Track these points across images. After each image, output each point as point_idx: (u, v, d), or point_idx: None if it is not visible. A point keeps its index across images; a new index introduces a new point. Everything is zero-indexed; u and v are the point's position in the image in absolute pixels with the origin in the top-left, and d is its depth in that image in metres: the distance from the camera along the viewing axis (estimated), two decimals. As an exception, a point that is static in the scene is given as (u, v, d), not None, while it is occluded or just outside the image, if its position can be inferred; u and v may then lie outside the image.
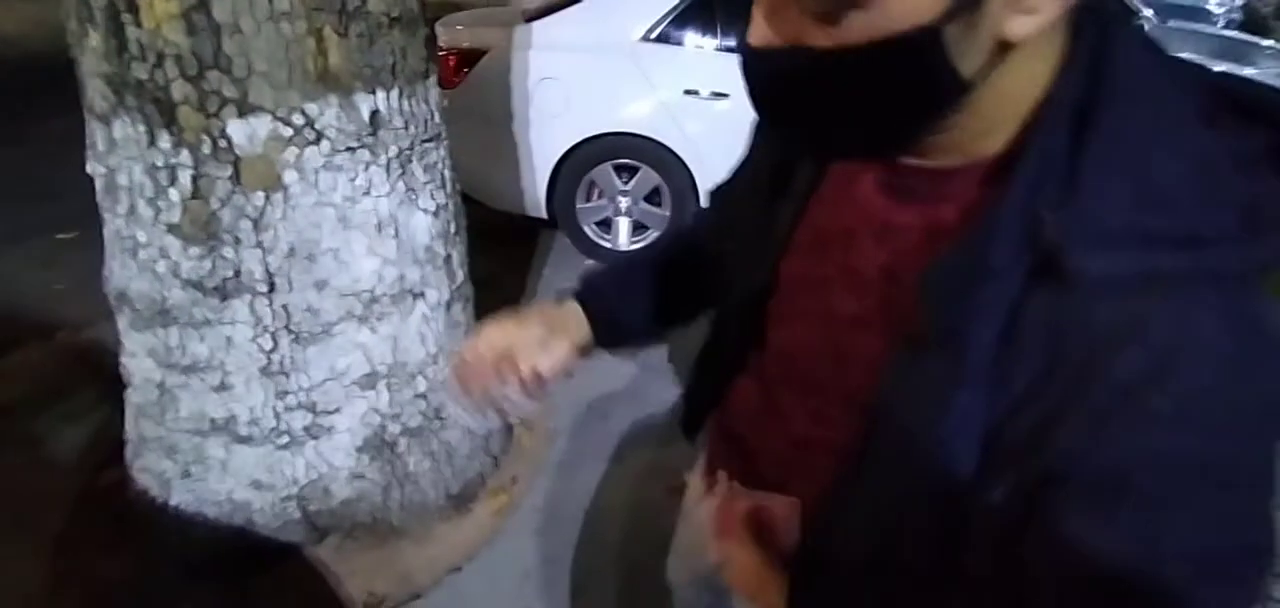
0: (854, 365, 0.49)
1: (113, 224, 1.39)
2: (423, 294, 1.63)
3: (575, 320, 0.69)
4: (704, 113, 2.76)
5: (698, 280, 0.72)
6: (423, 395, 1.70)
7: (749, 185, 0.62)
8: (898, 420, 0.44)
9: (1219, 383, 0.35)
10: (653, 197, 2.97)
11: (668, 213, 2.97)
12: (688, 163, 2.86)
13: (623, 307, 0.73)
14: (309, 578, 1.63)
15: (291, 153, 1.32)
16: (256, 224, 1.35)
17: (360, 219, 1.46)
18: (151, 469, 1.60)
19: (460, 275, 1.76)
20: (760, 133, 0.63)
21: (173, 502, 1.59)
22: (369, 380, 1.59)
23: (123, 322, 1.49)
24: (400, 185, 1.50)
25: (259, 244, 1.36)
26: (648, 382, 2.33)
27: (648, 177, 2.92)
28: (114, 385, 1.60)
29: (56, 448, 1.96)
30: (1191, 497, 0.35)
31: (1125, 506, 0.36)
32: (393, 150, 1.46)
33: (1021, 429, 0.38)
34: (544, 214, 2.95)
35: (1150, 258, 0.36)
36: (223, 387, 1.46)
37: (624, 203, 2.97)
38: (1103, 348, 0.36)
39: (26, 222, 3.03)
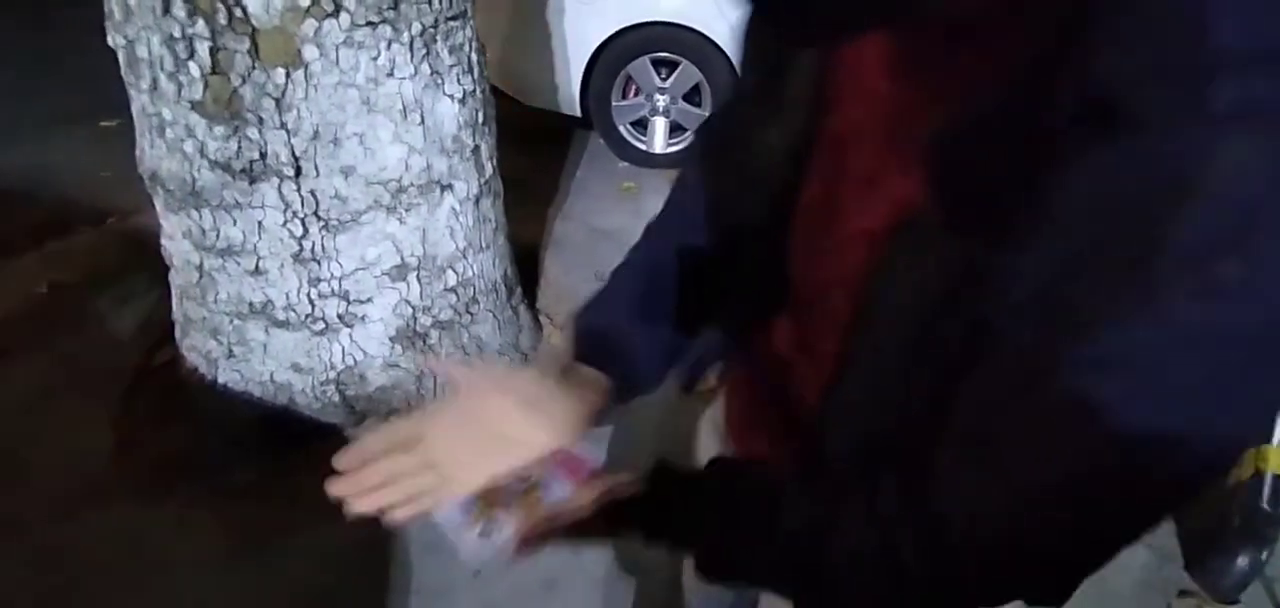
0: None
1: (138, 101, 1.38)
2: (451, 186, 1.59)
3: (577, 392, 0.52)
4: (751, 0, 2.56)
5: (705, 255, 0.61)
6: (453, 289, 1.69)
7: (745, 108, 0.54)
8: (891, 307, 0.41)
9: None
10: (692, 95, 2.81)
11: (707, 114, 2.81)
12: (732, 58, 2.68)
13: (640, 339, 0.58)
14: (348, 458, 1.71)
15: (310, 26, 1.26)
16: (279, 104, 1.31)
17: (384, 102, 1.40)
18: (199, 349, 1.67)
19: (489, 169, 1.71)
20: (751, 39, 0.53)
21: (220, 380, 1.67)
22: (399, 272, 1.59)
23: (159, 203, 1.51)
24: (425, 67, 1.43)
25: (283, 125, 1.33)
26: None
27: (688, 72, 2.75)
28: (163, 269, 1.65)
29: (114, 326, 2.07)
30: (1242, 376, 0.31)
31: (1166, 386, 0.32)
32: (416, 27, 1.38)
33: (1048, 299, 0.34)
34: (577, 111, 2.83)
35: (1246, 86, 0.28)
36: (258, 271, 1.48)
37: (662, 101, 2.82)
38: (1161, 203, 0.30)
39: (69, 108, 3.08)
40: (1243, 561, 1.43)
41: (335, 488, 0.48)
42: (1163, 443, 0.32)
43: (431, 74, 1.45)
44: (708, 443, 0.80)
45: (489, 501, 0.49)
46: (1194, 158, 0.29)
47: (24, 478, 1.68)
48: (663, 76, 2.78)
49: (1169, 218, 0.30)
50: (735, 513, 0.49)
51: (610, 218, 2.62)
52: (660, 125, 2.85)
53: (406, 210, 1.52)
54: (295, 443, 1.70)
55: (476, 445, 0.49)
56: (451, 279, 1.68)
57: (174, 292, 1.66)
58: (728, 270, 0.57)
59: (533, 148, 2.80)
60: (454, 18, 1.48)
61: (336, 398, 1.69)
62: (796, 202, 0.49)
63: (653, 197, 2.74)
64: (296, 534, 1.57)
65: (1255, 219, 0.29)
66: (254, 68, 1.27)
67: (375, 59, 1.35)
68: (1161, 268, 0.30)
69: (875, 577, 0.42)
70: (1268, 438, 1.43)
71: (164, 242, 1.57)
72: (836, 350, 0.47)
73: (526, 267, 2.14)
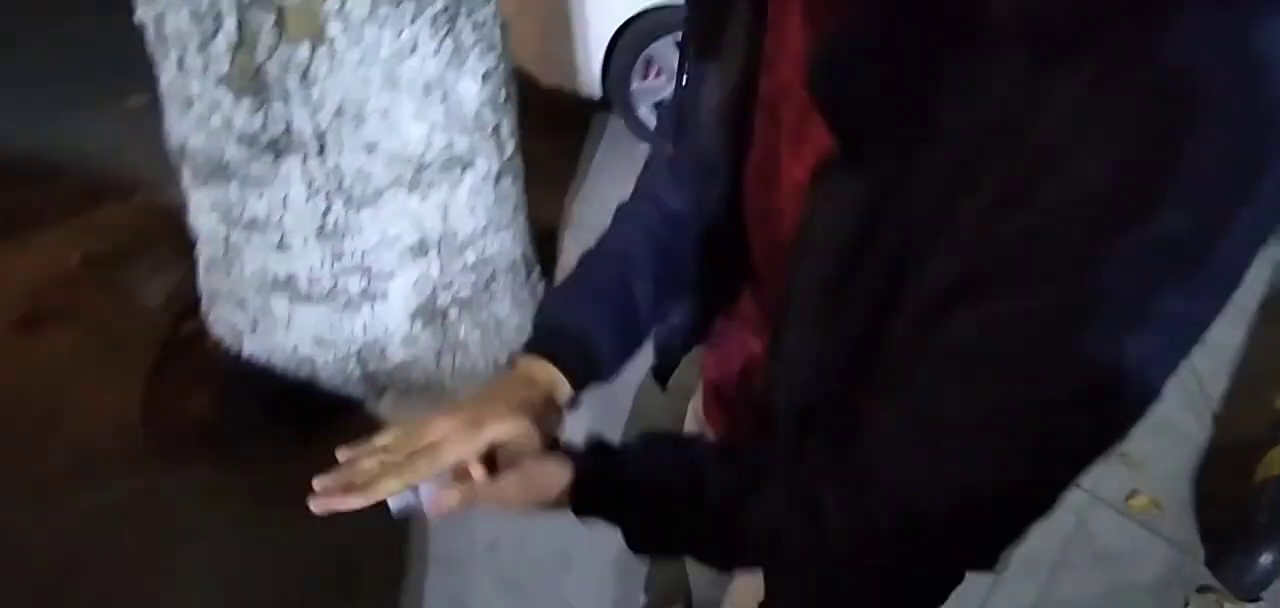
0: None
1: (166, 76, 1.40)
2: (472, 164, 1.59)
3: (524, 382, 0.54)
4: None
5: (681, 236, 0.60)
6: (472, 267, 1.71)
7: (693, 77, 0.53)
8: (812, 258, 0.41)
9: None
10: (713, 76, 2.78)
11: (728, 95, 2.78)
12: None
13: (598, 325, 0.58)
14: (368, 430, 1.73)
15: (334, 1, 1.26)
16: (304, 79, 1.32)
17: (407, 79, 1.41)
18: (224, 321, 1.70)
19: (510, 147, 1.72)
20: (692, 3, 0.53)
21: (245, 352, 1.70)
22: (420, 248, 1.60)
23: (186, 177, 1.53)
24: (447, 44, 1.43)
25: (308, 100, 1.34)
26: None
27: (709, 54, 2.73)
28: (190, 243, 1.68)
29: (144, 297, 2.12)
30: (1157, 293, 0.29)
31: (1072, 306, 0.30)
32: (439, 4, 1.38)
33: (941, 222, 0.33)
34: (598, 92, 2.82)
35: None
36: (282, 246, 1.50)
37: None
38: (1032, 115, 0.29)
39: (99, 87, 3.13)
40: (1266, 559, 1.41)
41: (321, 487, 0.48)
42: (1079, 368, 0.31)
43: (454, 51, 1.45)
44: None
45: None
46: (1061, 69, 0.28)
47: (54, 441, 1.74)
48: (683, 58, 2.76)
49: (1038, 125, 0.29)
50: (657, 486, 0.49)
51: (628, 200, 2.62)
52: (680, 107, 2.83)
53: (428, 187, 1.53)
54: (317, 415, 1.73)
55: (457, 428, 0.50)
56: (471, 257, 1.69)
57: (201, 264, 1.70)
58: (695, 248, 0.58)
59: (552, 129, 2.79)
60: (477, -5, 1.48)
61: (357, 372, 1.72)
62: (743, 167, 0.49)
63: (671, 179, 2.73)
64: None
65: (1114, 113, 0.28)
66: (279, 43, 1.28)
67: (398, 35, 1.35)
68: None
69: (797, 536, 0.41)
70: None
71: (191, 215, 1.59)
72: (778, 312, 0.47)
73: (545, 247, 2.14)
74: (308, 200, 1.43)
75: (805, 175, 0.41)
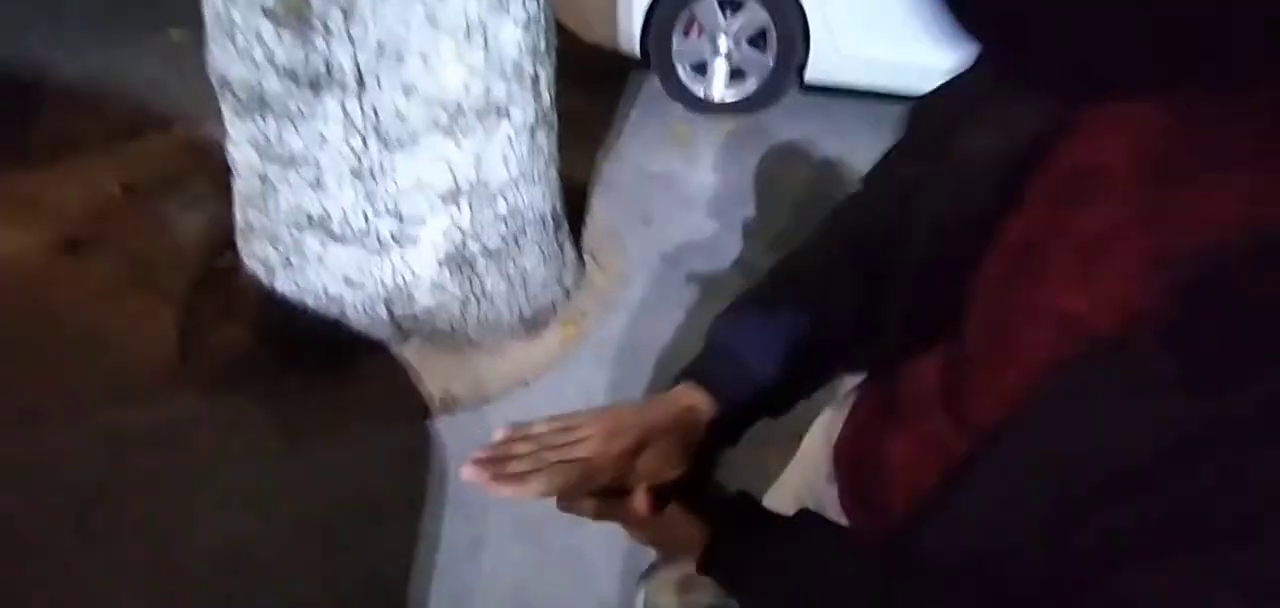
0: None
1: (211, 6, 1.39)
2: (508, 113, 1.58)
3: (687, 418, 0.50)
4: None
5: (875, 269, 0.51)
6: (502, 217, 1.70)
7: (957, 96, 0.45)
8: (1062, 433, 0.33)
9: None
10: (757, 40, 2.70)
11: (771, 61, 2.71)
12: (803, 2, 2.56)
13: (773, 354, 0.52)
14: (394, 372, 1.76)
15: (379, -66, 1.24)
16: (346, 15, 1.31)
17: (449, 21, 1.39)
18: (258, 256, 1.72)
19: (547, 99, 1.69)
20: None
21: (277, 288, 1.72)
22: (452, 195, 1.60)
23: (226, 109, 1.54)
24: (489, -14, 1.40)
25: (349, 36, 1.33)
26: (724, 235, 2.25)
27: (754, 14, 2.65)
28: (227, 177, 1.70)
29: (181, 229, 2.16)
30: None
31: None
32: (482, -57, 1.35)
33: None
34: (636, 49, 2.76)
35: None
36: (318, 184, 1.50)
37: (724, 43, 2.72)
38: None
39: (141, 19, 3.16)
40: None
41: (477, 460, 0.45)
42: None
43: (495, -6, 1.42)
44: (812, 456, 0.74)
45: None
46: None
47: (92, 364, 1.80)
48: (728, 16, 2.68)
49: None
50: (804, 579, 0.45)
51: (661, 162, 2.58)
52: (720, 68, 2.77)
53: (463, 134, 1.51)
54: (344, 354, 1.76)
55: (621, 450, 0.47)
56: (502, 207, 1.68)
57: (237, 198, 1.71)
58: (900, 280, 0.48)
59: (587, 85, 2.75)
60: (521, -63, 1.44)
61: (385, 315, 1.74)
62: (995, 231, 0.39)
63: (706, 143, 2.68)
64: (343, 440, 1.64)
65: None
66: (323, -25, 1.26)
67: (441, -27, 1.33)
68: None
69: None
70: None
71: (229, 148, 1.61)
72: (983, 429, 0.39)
73: (574, 204, 2.13)
74: (345, 139, 1.43)
75: (1081, 307, 0.32)
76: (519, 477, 0.45)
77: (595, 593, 1.39)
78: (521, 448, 0.47)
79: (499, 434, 0.48)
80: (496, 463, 0.46)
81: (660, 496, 0.48)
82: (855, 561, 0.44)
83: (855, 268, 0.53)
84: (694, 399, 0.51)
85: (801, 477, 0.73)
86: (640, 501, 0.46)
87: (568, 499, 0.47)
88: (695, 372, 0.53)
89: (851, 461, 0.60)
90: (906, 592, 0.41)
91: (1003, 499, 0.36)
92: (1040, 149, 0.37)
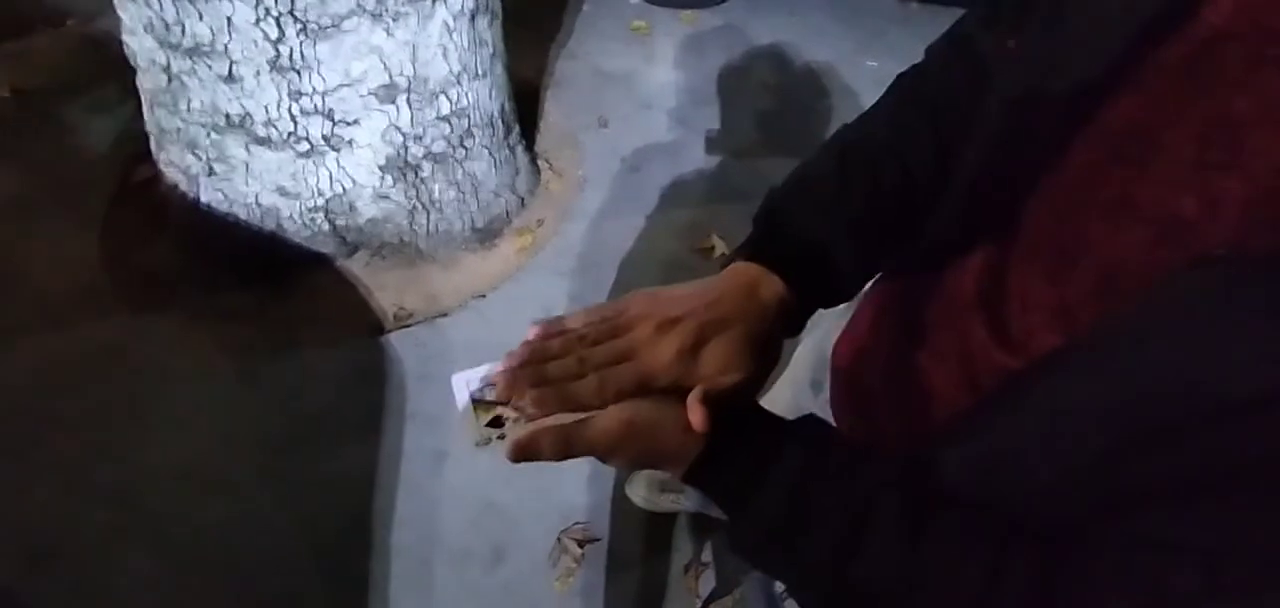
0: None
1: None
2: (444, -3, 1.43)
3: (750, 300, 0.42)
4: None
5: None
6: (445, 118, 1.58)
7: None
8: (1139, 354, 0.29)
9: None
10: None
11: (729, -54, 2.53)
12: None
13: (838, 233, 0.45)
14: (341, 287, 1.68)
15: None
16: (244, -126, 1.13)
17: (366, -115, 1.22)
18: (177, 164, 1.58)
19: (487, -18, 1.54)
20: None
21: (202, 199, 1.59)
22: (387, 93, 1.47)
23: (118, -8, 1.35)
24: None
25: (250, -98, 1.16)
26: (685, 138, 2.17)
27: (711, -105, 2.45)
28: (132, 80, 1.52)
29: (88, 138, 1.95)
30: None
31: None
32: None
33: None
34: (586, -66, 2.54)
35: None
36: (232, 78, 1.36)
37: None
38: None
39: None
40: None
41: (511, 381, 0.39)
42: None
43: None
44: (803, 365, 0.69)
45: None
46: None
47: (8, 285, 1.65)
48: (683, -102, 2.48)
49: None
50: (818, 497, 0.39)
51: (617, 60, 2.44)
52: (676, -42, 2.58)
53: (393, 20, 1.37)
54: (287, 269, 1.66)
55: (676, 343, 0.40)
56: (444, 106, 1.56)
57: (144, 99, 1.54)
58: (963, 163, 0.42)
59: (534, -26, 2.54)
60: None
61: (326, 227, 1.63)
62: (1092, 112, 0.34)
63: (665, 40, 2.54)
64: (292, 357, 1.58)
65: None
66: None
67: None
68: None
69: None
70: None
71: (125, 38, 1.42)
72: (1026, 346, 0.35)
73: (525, 105, 2.00)
74: (256, 23, 1.27)
75: (1195, 216, 0.29)
76: (561, 394, 0.38)
77: (561, 498, 1.40)
78: (557, 344, 0.40)
79: (531, 333, 0.42)
80: (532, 371, 0.39)
81: (717, 404, 0.39)
82: (877, 479, 0.39)
83: (931, 134, 0.46)
84: (757, 278, 0.43)
85: (792, 391, 0.71)
86: (696, 413, 0.38)
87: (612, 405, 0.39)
88: (756, 250, 0.45)
89: (853, 371, 0.55)
90: (935, 522, 0.37)
91: (1049, 433, 0.32)
92: (1170, 17, 0.31)
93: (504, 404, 0.43)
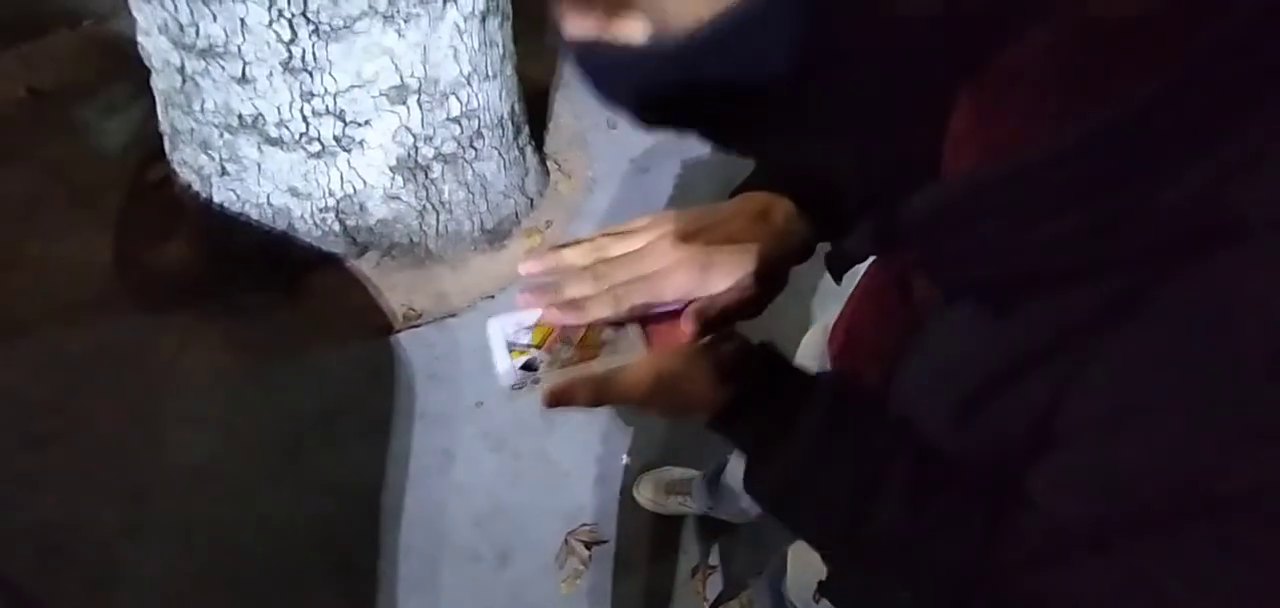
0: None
1: None
2: (454, -1, 1.43)
3: (762, 224, 0.43)
4: None
5: None
6: (456, 119, 1.59)
7: None
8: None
9: None
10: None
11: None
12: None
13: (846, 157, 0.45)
14: (352, 287, 1.69)
15: None
16: (258, -123, 1.14)
17: (379, -113, 1.23)
18: (190, 164, 1.59)
19: (497, -18, 1.55)
20: None
21: (215, 199, 1.60)
22: (398, 94, 1.47)
23: (133, -7, 1.36)
24: None
25: (264, -96, 1.17)
26: (694, 140, 2.17)
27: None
28: (146, 81, 1.54)
29: (102, 138, 1.97)
30: None
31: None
32: None
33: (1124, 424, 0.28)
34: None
35: None
36: (245, 79, 1.37)
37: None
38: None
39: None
40: None
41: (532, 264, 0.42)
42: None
43: None
44: (806, 350, 0.70)
45: (545, 334, 0.45)
46: None
47: (23, 283, 1.67)
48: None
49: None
50: (838, 449, 0.40)
51: (625, 62, 2.44)
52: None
53: (405, 21, 1.38)
54: (298, 269, 1.67)
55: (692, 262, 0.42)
56: (455, 108, 1.57)
57: (158, 99, 1.56)
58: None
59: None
60: None
61: (337, 227, 1.64)
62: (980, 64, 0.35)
63: (672, 42, 2.54)
64: (303, 357, 1.58)
65: None
66: None
67: None
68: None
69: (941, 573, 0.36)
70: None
71: (140, 39, 1.44)
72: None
73: (535, 107, 2.00)
74: (269, 25, 1.28)
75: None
76: (576, 303, 0.40)
77: (568, 500, 1.40)
78: (576, 260, 0.42)
79: (548, 250, 0.45)
80: (551, 284, 0.41)
81: (710, 326, 0.41)
82: (894, 434, 0.40)
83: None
84: (769, 203, 0.44)
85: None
86: (688, 324, 0.40)
87: (619, 319, 0.41)
88: (765, 176, 0.45)
89: (844, 358, 0.56)
90: (943, 481, 0.38)
91: (943, 371, 0.35)
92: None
93: (538, 348, 0.45)
